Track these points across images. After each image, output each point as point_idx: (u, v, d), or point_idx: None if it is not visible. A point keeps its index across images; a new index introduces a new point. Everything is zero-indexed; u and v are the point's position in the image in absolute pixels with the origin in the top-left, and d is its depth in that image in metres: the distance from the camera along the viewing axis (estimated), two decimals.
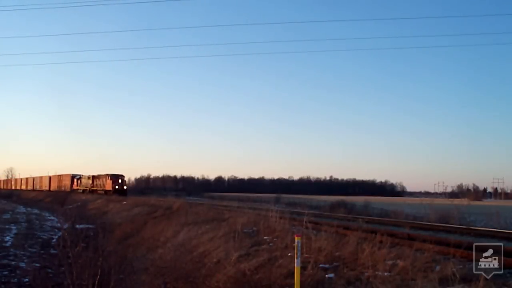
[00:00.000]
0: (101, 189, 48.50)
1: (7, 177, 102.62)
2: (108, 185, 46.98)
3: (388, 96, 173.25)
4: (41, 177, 76.38)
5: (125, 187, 47.88)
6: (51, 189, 66.36)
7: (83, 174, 57.43)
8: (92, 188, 50.74)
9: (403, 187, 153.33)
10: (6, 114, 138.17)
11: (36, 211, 37.92)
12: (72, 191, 56.83)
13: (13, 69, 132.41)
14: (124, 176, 49.01)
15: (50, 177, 71.49)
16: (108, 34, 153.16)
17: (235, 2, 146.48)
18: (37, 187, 74.46)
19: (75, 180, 58.67)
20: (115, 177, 47.33)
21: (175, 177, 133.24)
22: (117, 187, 46.19)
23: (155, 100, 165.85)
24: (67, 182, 62.17)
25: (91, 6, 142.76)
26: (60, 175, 67.05)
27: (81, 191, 54.28)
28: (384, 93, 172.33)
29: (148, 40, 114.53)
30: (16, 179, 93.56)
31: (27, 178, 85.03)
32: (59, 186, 63.98)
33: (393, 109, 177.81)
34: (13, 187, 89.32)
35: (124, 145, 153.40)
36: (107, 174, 48.56)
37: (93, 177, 52.25)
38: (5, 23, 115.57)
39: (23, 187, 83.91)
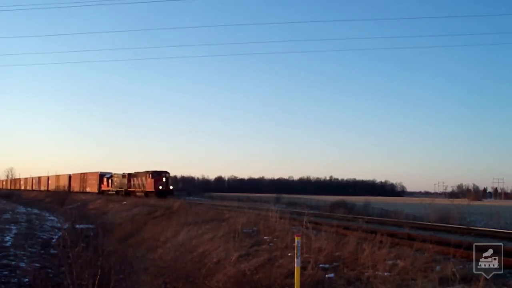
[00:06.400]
0: (140, 190, 39.95)
1: (7, 177, 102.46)
2: (149, 185, 38.17)
3: (388, 97, 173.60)
4: (57, 176, 66.26)
5: (171, 187, 38.65)
6: (72, 190, 57.29)
7: (115, 172, 47.74)
8: (129, 189, 42.03)
9: (403, 187, 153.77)
10: (6, 114, 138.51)
11: (36, 211, 37.92)
12: (101, 192, 47.89)
13: (13, 69, 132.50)
14: (169, 173, 39.44)
15: (70, 176, 61.85)
16: (109, 34, 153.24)
17: (234, 2, 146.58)
18: (53, 187, 62.70)
19: (105, 179, 48.65)
20: (157, 175, 38.14)
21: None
22: (160, 187, 37.25)
23: (154, 100, 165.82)
24: (93, 182, 52.15)
25: (91, 6, 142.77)
26: (83, 174, 56.84)
27: (114, 192, 45.06)
28: (384, 93, 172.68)
29: (148, 40, 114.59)
30: (26, 179, 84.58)
31: (39, 177, 75.27)
32: (82, 187, 55.49)
33: (393, 109, 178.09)
34: (21, 187, 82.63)
35: (123, 145, 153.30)
36: (147, 171, 39.48)
37: (130, 175, 42.79)
38: (5, 23, 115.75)
39: (34, 187, 74.97)
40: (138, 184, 40.76)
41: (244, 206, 21.12)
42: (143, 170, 40.68)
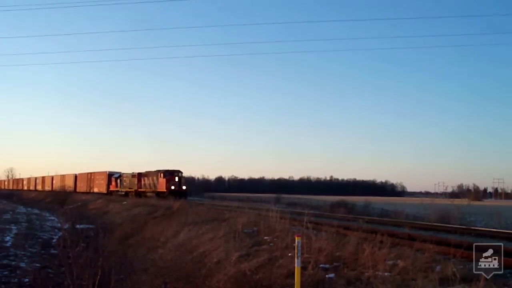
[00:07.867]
0: (150, 190, 37.56)
1: (7, 177, 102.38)
2: (161, 185, 35.82)
3: (388, 96, 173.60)
4: (62, 176, 64.02)
5: (184, 187, 36.16)
6: (77, 190, 55.74)
7: (124, 172, 45.66)
8: (139, 190, 39.64)
9: (403, 187, 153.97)
10: (6, 114, 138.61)
11: (36, 211, 37.96)
12: (110, 193, 45.60)
13: (13, 69, 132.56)
14: (182, 173, 36.81)
15: (75, 176, 59.61)
16: (109, 34, 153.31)
17: (234, 2, 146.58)
18: (57, 188, 60.40)
19: (113, 179, 46.45)
20: (169, 174, 35.85)
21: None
22: (173, 187, 35.01)
23: (154, 100, 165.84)
24: (101, 182, 49.68)
25: (91, 6, 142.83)
26: (90, 173, 54.20)
27: (123, 193, 42.64)
28: (384, 93, 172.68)
29: (148, 40, 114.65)
30: (28, 179, 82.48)
31: (43, 177, 73.05)
32: (89, 187, 53.14)
33: (393, 109, 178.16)
34: (24, 188, 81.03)
35: (123, 145, 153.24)
36: (159, 171, 37.02)
37: (140, 175, 40.41)
38: (5, 23, 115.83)
39: (38, 187, 72.71)
40: (149, 184, 38.46)
41: (244, 206, 21.12)
42: (154, 169, 38.25)
